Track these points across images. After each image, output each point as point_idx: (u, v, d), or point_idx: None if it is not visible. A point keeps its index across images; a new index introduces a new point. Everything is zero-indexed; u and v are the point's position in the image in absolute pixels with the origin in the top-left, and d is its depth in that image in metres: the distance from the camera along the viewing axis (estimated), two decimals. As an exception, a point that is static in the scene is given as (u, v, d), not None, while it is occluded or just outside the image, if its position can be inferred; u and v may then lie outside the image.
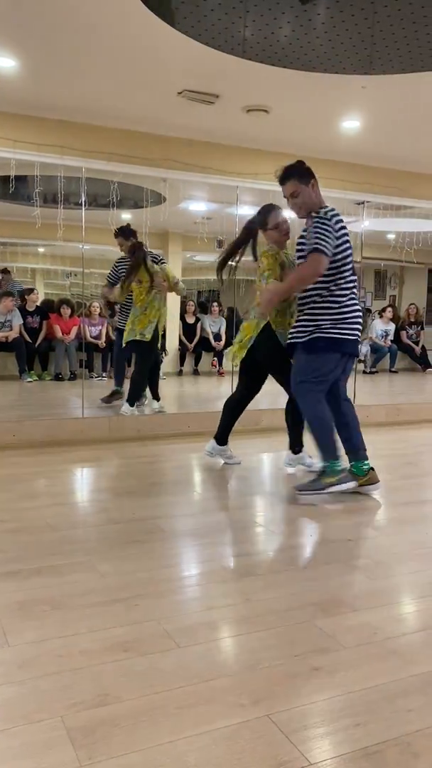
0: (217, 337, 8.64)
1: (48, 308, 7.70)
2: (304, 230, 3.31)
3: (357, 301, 3.37)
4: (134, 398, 5.15)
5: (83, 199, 5.16)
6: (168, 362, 8.29)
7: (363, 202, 6.21)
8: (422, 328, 9.80)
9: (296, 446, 3.88)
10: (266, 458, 4.53)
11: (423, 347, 9.68)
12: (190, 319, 8.60)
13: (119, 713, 1.55)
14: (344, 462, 3.41)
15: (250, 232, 3.80)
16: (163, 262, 5.36)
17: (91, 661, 1.77)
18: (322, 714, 1.57)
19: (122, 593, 2.21)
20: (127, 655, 1.81)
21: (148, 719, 1.53)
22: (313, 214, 3.29)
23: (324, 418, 3.34)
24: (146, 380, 5.35)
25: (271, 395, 4.27)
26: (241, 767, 1.38)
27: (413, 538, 2.86)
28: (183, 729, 1.50)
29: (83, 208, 5.19)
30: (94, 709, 1.57)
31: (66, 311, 7.51)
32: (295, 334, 3.37)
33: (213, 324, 8.71)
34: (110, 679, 1.69)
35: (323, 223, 3.21)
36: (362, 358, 8.93)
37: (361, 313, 3.37)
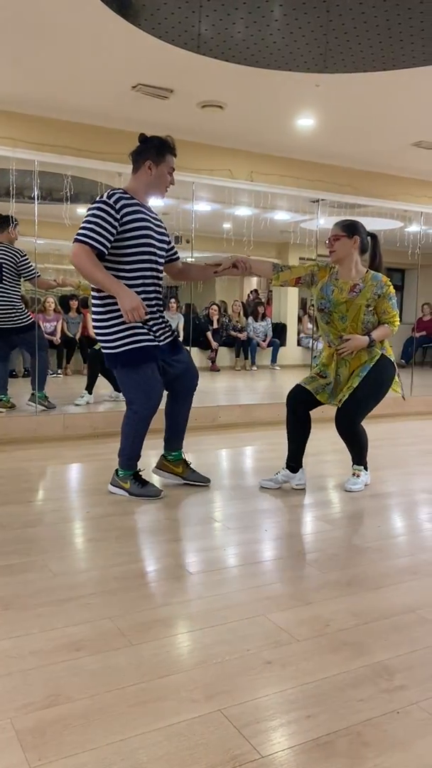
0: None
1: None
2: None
3: None
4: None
5: (36, 193, 5.07)
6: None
7: (318, 200, 6.28)
8: (377, 324, 9.96)
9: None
10: (224, 454, 4.54)
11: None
12: (147, 316, 8.56)
13: (70, 713, 1.53)
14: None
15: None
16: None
17: (42, 662, 1.75)
18: (274, 707, 1.58)
19: (75, 592, 2.18)
20: (79, 654, 1.79)
21: (99, 718, 1.52)
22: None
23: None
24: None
25: (228, 391, 4.28)
26: (193, 762, 1.38)
27: (365, 532, 2.91)
28: (135, 726, 1.49)
29: (36, 202, 5.11)
30: (45, 709, 1.54)
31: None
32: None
33: (171, 320, 8.68)
34: (62, 679, 1.67)
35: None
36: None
37: None
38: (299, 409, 3.49)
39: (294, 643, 1.88)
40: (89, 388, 5.83)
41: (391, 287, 3.38)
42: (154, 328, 3.22)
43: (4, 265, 5.13)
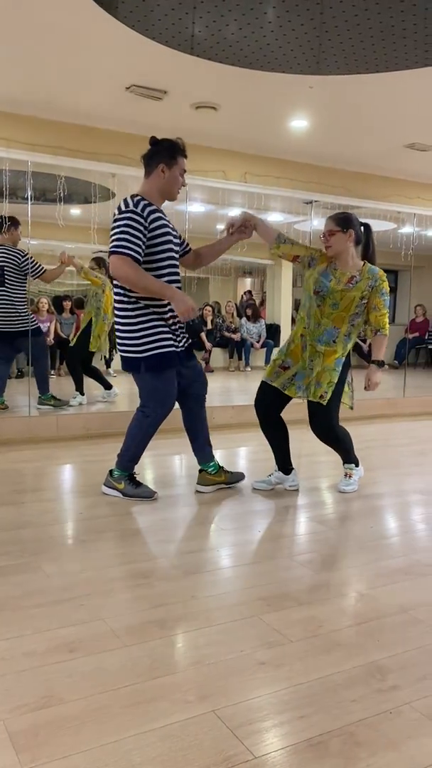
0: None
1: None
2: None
3: None
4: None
5: (29, 194, 5.06)
6: (118, 360, 8.21)
7: (311, 202, 6.29)
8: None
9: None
10: (218, 455, 4.53)
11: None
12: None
13: (63, 714, 1.53)
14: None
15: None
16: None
17: (36, 663, 1.75)
18: (267, 708, 1.58)
19: (68, 593, 2.18)
20: (72, 655, 1.79)
21: (92, 720, 1.52)
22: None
23: None
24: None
25: (222, 392, 4.28)
26: (186, 763, 1.38)
27: (358, 532, 2.92)
28: (128, 728, 1.49)
29: (29, 203, 5.10)
30: (38, 711, 1.54)
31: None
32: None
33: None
34: (55, 681, 1.67)
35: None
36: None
37: None
38: (270, 414, 3.46)
39: (287, 644, 1.89)
40: (79, 388, 5.83)
41: (386, 283, 3.36)
42: (177, 332, 3.23)
43: (6, 268, 5.12)
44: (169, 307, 3.14)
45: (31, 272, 5.22)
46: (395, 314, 11.57)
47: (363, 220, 3.46)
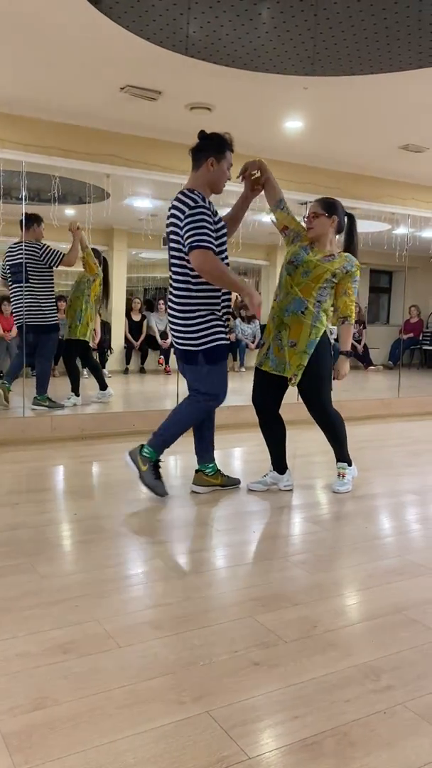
0: (164, 334, 8.61)
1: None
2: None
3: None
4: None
5: (24, 194, 5.05)
6: (114, 360, 8.22)
7: (306, 202, 6.29)
8: (364, 327, 10.02)
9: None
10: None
11: (365, 346, 9.89)
12: (136, 317, 8.55)
13: (57, 716, 1.53)
14: None
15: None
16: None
17: (29, 665, 1.74)
18: (261, 708, 1.58)
19: (62, 594, 2.18)
20: (66, 656, 1.79)
21: (87, 721, 1.51)
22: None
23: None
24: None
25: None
26: (180, 764, 1.38)
27: (353, 533, 2.92)
28: (123, 729, 1.49)
29: (24, 203, 5.09)
30: (32, 713, 1.54)
31: (7, 308, 7.34)
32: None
33: (159, 322, 8.68)
34: (48, 682, 1.66)
35: None
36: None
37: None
38: (267, 406, 3.48)
39: (281, 645, 1.89)
40: (75, 388, 5.81)
41: (359, 272, 3.39)
42: (225, 327, 3.29)
43: (28, 265, 5.27)
44: (223, 303, 3.23)
45: (53, 261, 5.32)
46: (390, 315, 11.60)
47: (358, 220, 3.48)
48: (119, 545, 2.69)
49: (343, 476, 3.59)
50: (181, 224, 3.05)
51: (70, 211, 6.56)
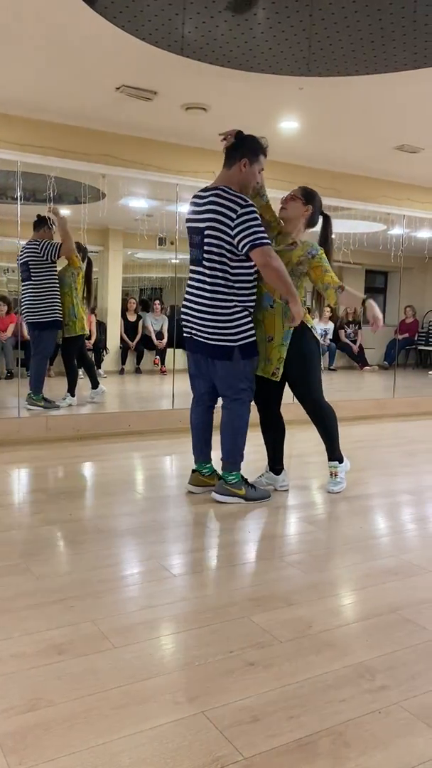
0: (159, 335, 8.60)
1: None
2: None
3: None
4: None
5: (19, 194, 5.04)
6: (109, 360, 8.21)
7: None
8: (360, 327, 10.03)
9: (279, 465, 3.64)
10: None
11: (360, 346, 9.91)
12: (132, 317, 8.54)
13: (52, 717, 1.53)
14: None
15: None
16: None
17: (24, 665, 1.74)
18: (256, 708, 1.58)
19: (58, 595, 2.17)
20: (61, 657, 1.79)
21: (82, 722, 1.51)
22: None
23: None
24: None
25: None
26: (175, 765, 1.38)
27: (348, 533, 2.93)
28: (118, 730, 1.49)
29: (19, 203, 5.08)
30: (26, 713, 1.54)
31: (2, 308, 7.32)
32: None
33: (155, 322, 8.67)
34: (44, 683, 1.66)
35: None
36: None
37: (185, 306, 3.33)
38: (269, 406, 3.49)
39: (276, 645, 1.89)
40: (71, 388, 5.80)
41: (324, 252, 3.39)
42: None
43: (30, 263, 5.38)
44: (253, 302, 3.26)
45: (52, 254, 5.39)
46: (385, 315, 11.60)
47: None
48: (114, 545, 2.68)
49: (336, 475, 3.59)
50: (232, 223, 3.06)
51: (65, 211, 6.54)
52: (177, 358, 8.16)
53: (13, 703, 1.57)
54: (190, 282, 3.29)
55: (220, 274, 3.15)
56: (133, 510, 3.16)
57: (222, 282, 3.16)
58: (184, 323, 3.35)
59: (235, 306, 3.19)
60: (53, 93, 4.47)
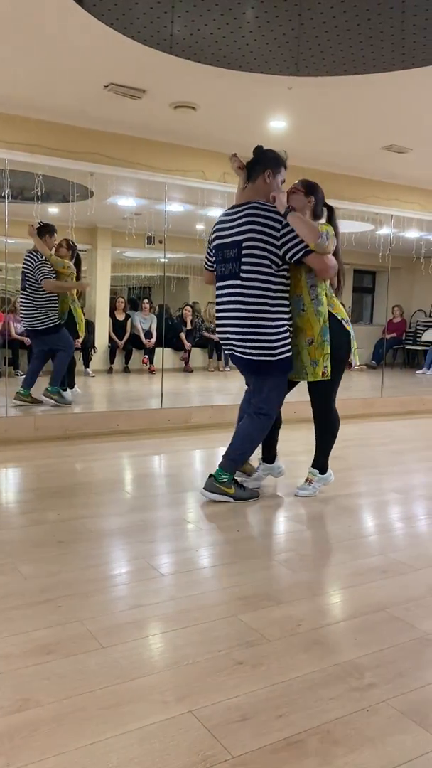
0: (148, 334, 8.59)
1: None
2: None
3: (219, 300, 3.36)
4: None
5: (6, 192, 5.02)
6: (98, 359, 8.19)
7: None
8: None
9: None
10: (197, 455, 4.54)
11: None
12: (120, 316, 8.52)
13: (40, 717, 1.52)
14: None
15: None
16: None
17: (11, 666, 1.73)
18: (244, 707, 1.58)
19: (45, 595, 2.16)
20: (49, 657, 1.78)
21: (69, 722, 1.50)
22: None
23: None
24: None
25: (201, 392, 4.28)
26: (164, 764, 1.38)
27: (336, 532, 2.94)
28: (106, 730, 1.48)
29: (6, 201, 5.05)
30: (13, 714, 1.53)
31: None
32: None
33: (144, 321, 8.66)
34: (31, 683, 1.65)
35: None
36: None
37: (219, 312, 3.34)
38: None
39: (265, 644, 1.89)
40: (71, 383, 5.85)
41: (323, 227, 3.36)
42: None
43: (26, 273, 5.49)
44: (290, 313, 3.28)
45: (38, 279, 5.49)
46: (373, 315, 11.67)
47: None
48: (102, 545, 2.68)
49: (311, 482, 3.51)
50: (278, 233, 3.13)
51: (53, 209, 6.52)
52: (166, 356, 8.15)
53: (0, 703, 1.56)
54: (221, 299, 3.30)
55: (259, 285, 3.16)
56: (121, 509, 3.15)
57: (263, 294, 3.17)
58: (222, 341, 3.39)
59: (277, 320, 3.21)
60: (41, 91, 4.45)
